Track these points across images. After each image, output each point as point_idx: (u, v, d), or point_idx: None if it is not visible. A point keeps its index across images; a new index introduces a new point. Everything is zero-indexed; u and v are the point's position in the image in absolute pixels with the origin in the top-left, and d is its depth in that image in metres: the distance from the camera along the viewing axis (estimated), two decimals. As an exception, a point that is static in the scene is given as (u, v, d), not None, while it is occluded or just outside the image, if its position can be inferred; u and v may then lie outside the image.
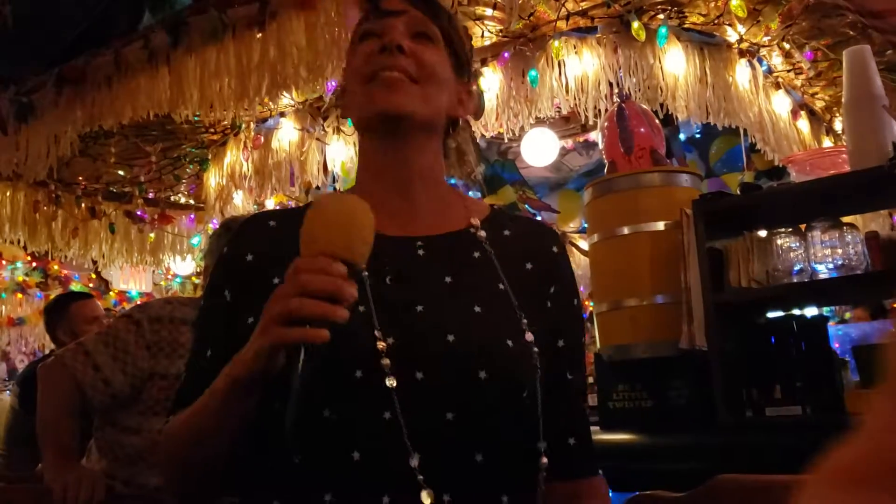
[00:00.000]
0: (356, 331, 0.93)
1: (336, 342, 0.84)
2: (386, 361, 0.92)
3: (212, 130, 4.52)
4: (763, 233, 2.63)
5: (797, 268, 2.55)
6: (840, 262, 2.44)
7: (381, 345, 0.93)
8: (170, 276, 6.94)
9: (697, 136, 6.29)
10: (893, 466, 0.42)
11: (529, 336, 1.00)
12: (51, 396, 2.26)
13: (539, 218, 5.95)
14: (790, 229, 2.57)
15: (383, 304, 0.97)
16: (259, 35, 3.24)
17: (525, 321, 1.01)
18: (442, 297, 1.00)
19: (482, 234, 1.09)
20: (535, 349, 1.00)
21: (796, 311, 2.80)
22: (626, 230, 2.74)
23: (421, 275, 1.02)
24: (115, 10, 5.32)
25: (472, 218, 1.11)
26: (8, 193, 4.82)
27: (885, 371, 0.46)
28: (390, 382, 0.91)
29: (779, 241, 2.57)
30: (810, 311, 2.92)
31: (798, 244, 2.55)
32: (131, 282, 7.51)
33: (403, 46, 1.04)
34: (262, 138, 4.28)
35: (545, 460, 1.01)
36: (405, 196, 1.08)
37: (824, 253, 2.49)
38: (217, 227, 2.59)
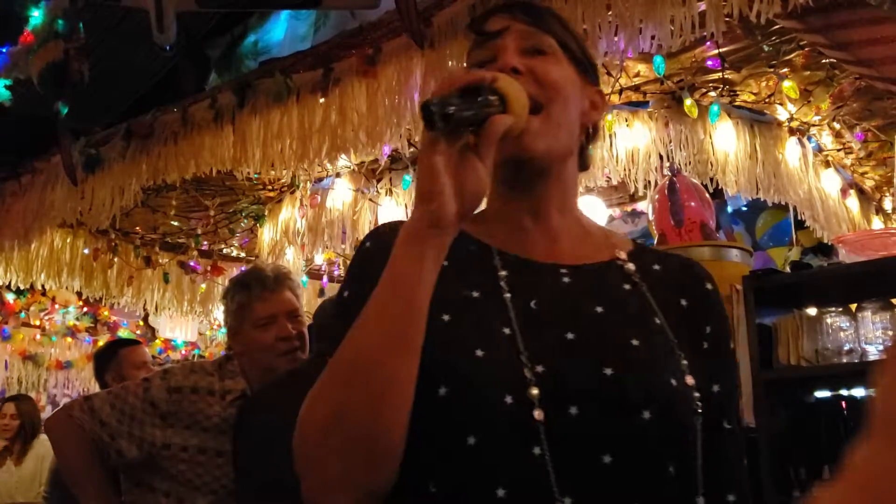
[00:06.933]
0: (501, 353, 0.86)
1: (480, 363, 0.83)
2: (534, 391, 0.84)
3: (269, 188, 4.66)
4: (813, 311, 2.64)
5: (847, 347, 2.55)
6: (891, 344, 2.44)
7: (528, 372, 0.85)
8: (216, 326, 7.06)
9: (744, 209, 6.29)
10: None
11: (691, 379, 0.91)
12: (67, 448, 2.23)
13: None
14: (840, 309, 2.58)
15: (529, 330, 0.89)
16: (322, 100, 3.36)
17: (685, 362, 0.92)
18: (594, 327, 0.91)
19: (630, 266, 1.00)
20: (696, 393, 0.91)
21: (844, 391, 2.78)
22: (674, 302, 2.77)
23: (569, 303, 0.93)
24: (182, 70, 5.57)
25: (617, 250, 1.01)
26: (69, 240, 4.99)
27: (873, 415, 0.46)
28: (538, 415, 0.83)
29: (829, 321, 2.58)
30: (860, 391, 2.90)
31: (848, 324, 2.56)
32: (177, 330, 7.64)
33: (518, 67, 0.94)
34: (318, 197, 4.40)
35: None
36: (542, 223, 0.99)
37: (875, 334, 2.49)
38: (229, 284, 2.51)
